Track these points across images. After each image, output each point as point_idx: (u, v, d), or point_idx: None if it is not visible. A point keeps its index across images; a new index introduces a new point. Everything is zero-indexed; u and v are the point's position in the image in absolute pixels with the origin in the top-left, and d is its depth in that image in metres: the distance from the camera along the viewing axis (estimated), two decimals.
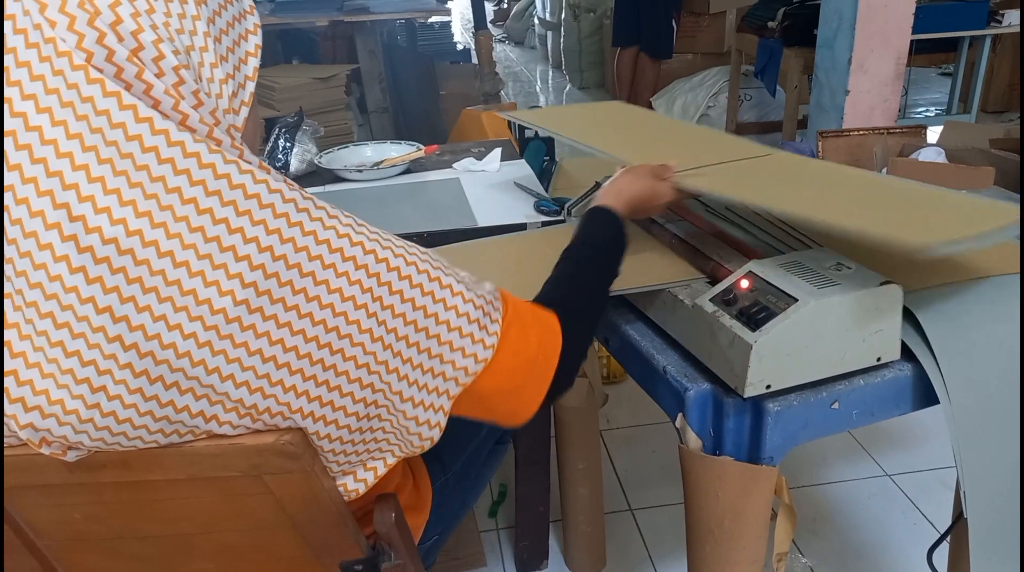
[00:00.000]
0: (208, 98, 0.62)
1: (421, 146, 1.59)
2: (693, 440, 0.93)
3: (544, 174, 2.63)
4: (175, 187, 0.59)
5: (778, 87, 3.82)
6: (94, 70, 0.57)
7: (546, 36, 7.20)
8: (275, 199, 0.62)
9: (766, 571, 0.99)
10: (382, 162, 1.55)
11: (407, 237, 1.18)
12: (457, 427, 1.05)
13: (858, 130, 2.82)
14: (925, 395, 0.92)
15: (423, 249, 0.73)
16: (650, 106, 4.62)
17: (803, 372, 0.87)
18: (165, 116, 0.58)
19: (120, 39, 0.57)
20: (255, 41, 0.71)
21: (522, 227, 1.28)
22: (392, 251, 0.68)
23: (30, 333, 0.60)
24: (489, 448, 1.29)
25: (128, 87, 0.57)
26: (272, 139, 1.59)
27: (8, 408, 0.62)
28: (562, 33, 6.28)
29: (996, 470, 0.88)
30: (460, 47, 4.99)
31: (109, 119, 0.57)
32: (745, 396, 0.86)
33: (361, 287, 0.65)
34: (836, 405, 0.89)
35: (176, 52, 0.60)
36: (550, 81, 6.81)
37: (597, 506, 1.58)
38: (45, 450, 0.64)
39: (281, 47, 3.35)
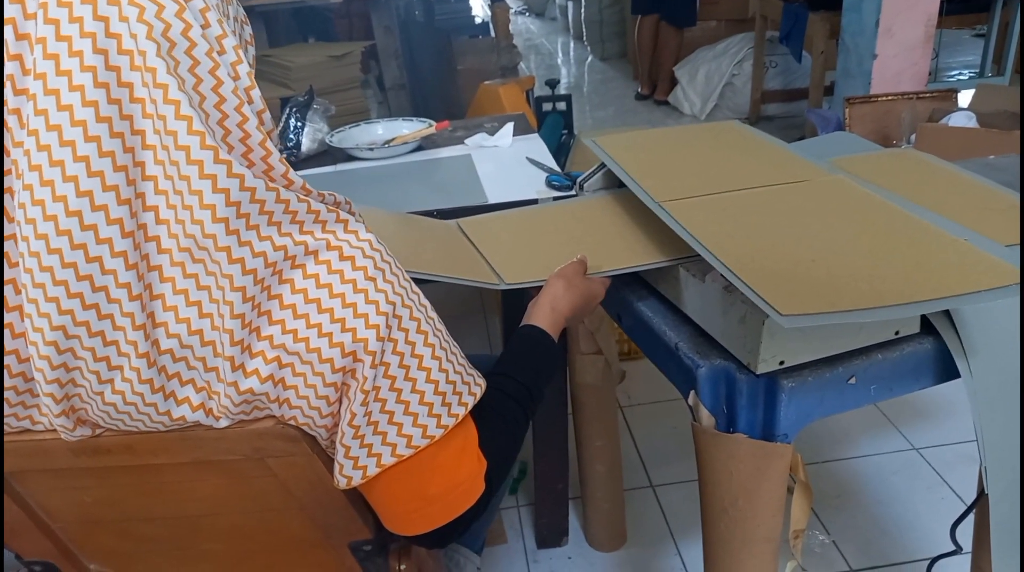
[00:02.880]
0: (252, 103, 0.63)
1: (432, 123, 1.57)
2: (706, 417, 0.92)
3: (562, 148, 2.61)
4: (210, 174, 0.58)
5: (804, 53, 3.72)
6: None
7: (567, 7, 7.09)
8: (299, 207, 0.62)
9: (783, 548, 0.98)
10: (393, 140, 1.53)
11: (418, 214, 1.18)
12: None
13: (886, 95, 2.75)
14: (946, 369, 0.89)
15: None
16: (672, 76, 4.54)
17: (818, 348, 0.85)
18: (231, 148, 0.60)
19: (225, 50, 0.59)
20: (253, 52, 0.71)
21: (533, 202, 1.26)
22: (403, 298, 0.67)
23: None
24: None
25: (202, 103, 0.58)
26: (283, 119, 1.58)
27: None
28: (583, 3, 6.18)
29: (1018, 445, 0.85)
30: (479, 20, 4.93)
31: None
32: (758, 372, 0.84)
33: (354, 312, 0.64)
34: (853, 380, 0.87)
35: (238, 47, 0.61)
36: (571, 53, 6.72)
37: (616, 483, 1.57)
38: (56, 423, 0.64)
39: (296, 25, 3.34)
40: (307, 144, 1.55)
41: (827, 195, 1.00)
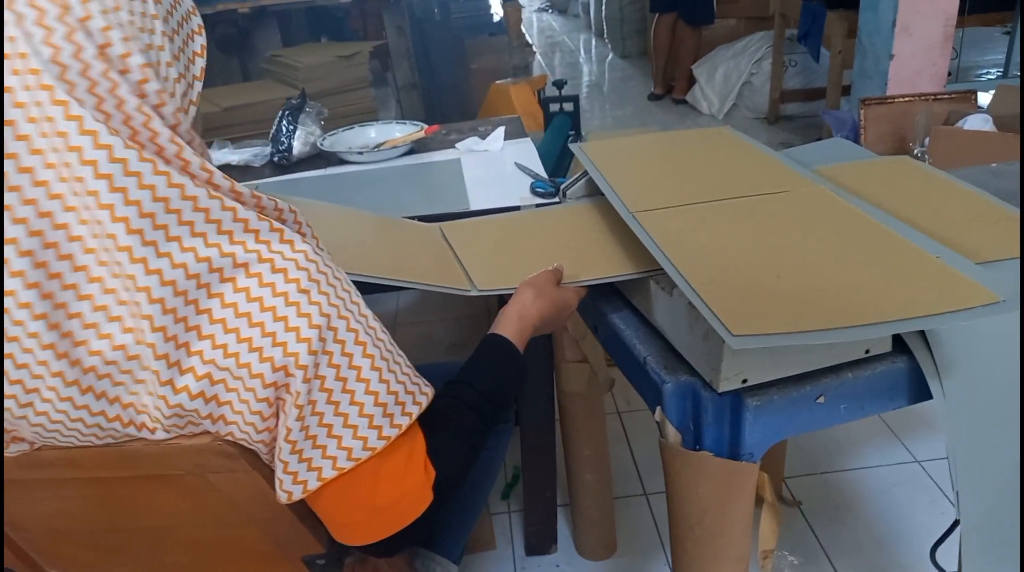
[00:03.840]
0: (172, 98, 0.63)
1: (423, 126, 1.56)
2: (672, 434, 0.90)
3: (568, 150, 2.58)
4: (121, 187, 0.58)
5: (824, 51, 3.66)
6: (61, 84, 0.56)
7: (589, 4, 7.05)
8: (223, 216, 0.62)
9: (753, 568, 0.96)
10: (383, 144, 1.53)
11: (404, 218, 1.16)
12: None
13: (902, 96, 2.69)
14: (921, 389, 0.86)
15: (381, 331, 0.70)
16: (691, 75, 4.49)
17: (783, 366, 0.82)
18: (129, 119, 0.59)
19: (89, 35, 0.58)
20: (200, 41, 0.70)
21: (516, 209, 1.24)
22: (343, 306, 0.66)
23: None
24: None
25: (94, 85, 0.58)
26: (276, 122, 1.58)
27: None
28: (604, 1, 6.13)
29: (992, 470, 0.82)
30: (496, 18, 4.92)
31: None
32: (720, 391, 0.82)
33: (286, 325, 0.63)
34: (822, 399, 0.85)
35: (141, 50, 0.60)
36: (592, 50, 6.68)
37: (605, 492, 1.56)
38: None
39: (309, 25, 3.35)
40: (298, 147, 1.55)
41: (806, 207, 0.98)
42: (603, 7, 6.20)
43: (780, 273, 0.82)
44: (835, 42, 3.31)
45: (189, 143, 0.64)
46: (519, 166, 1.40)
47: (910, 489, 1.71)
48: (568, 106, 2.71)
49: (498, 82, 3.15)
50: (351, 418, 0.66)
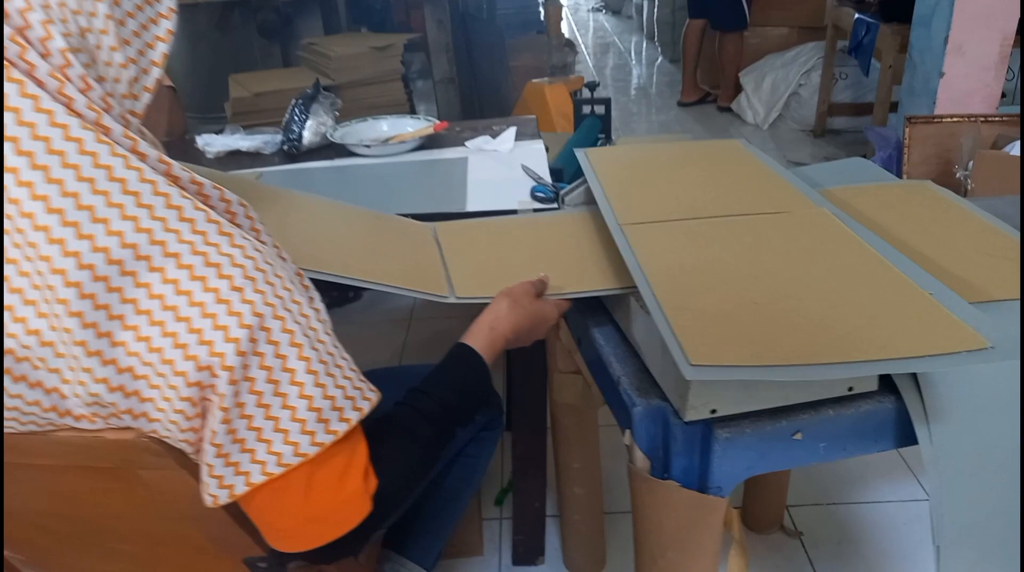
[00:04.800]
0: (102, 83, 0.61)
1: (433, 122, 1.54)
2: (640, 460, 0.86)
3: None
4: (43, 165, 0.56)
5: (875, 66, 3.53)
6: None
7: (642, 6, 6.95)
8: (155, 201, 0.59)
9: None
10: (391, 139, 1.51)
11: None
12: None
13: (950, 116, 2.57)
14: (909, 432, 0.80)
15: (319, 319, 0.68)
16: (737, 83, 4.39)
17: (757, 398, 0.78)
18: (53, 99, 0.57)
19: (7, 17, 0.56)
20: (167, 26, 0.68)
21: (513, 213, 1.21)
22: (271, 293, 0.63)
23: None
24: (471, 435, 1.24)
25: (11, 66, 0.56)
26: (289, 110, 1.57)
27: None
28: (656, 3, 6.04)
29: (977, 528, 0.76)
30: (541, 16, 4.88)
31: None
32: (686, 420, 0.78)
33: (217, 296, 0.61)
34: (799, 436, 0.80)
35: (67, 34, 0.59)
36: (643, 53, 6.59)
37: (595, 506, 1.51)
38: None
39: (350, 14, 3.35)
40: (308, 137, 1.54)
41: (803, 230, 0.92)
42: (655, 10, 6.11)
43: (760, 300, 0.77)
44: (886, 56, 3.19)
45: (139, 132, 0.63)
46: (525, 169, 1.37)
47: (920, 529, 1.62)
48: (600, 109, 2.67)
49: (534, 81, 3.12)
50: (282, 422, 0.64)
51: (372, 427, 0.73)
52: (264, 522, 0.69)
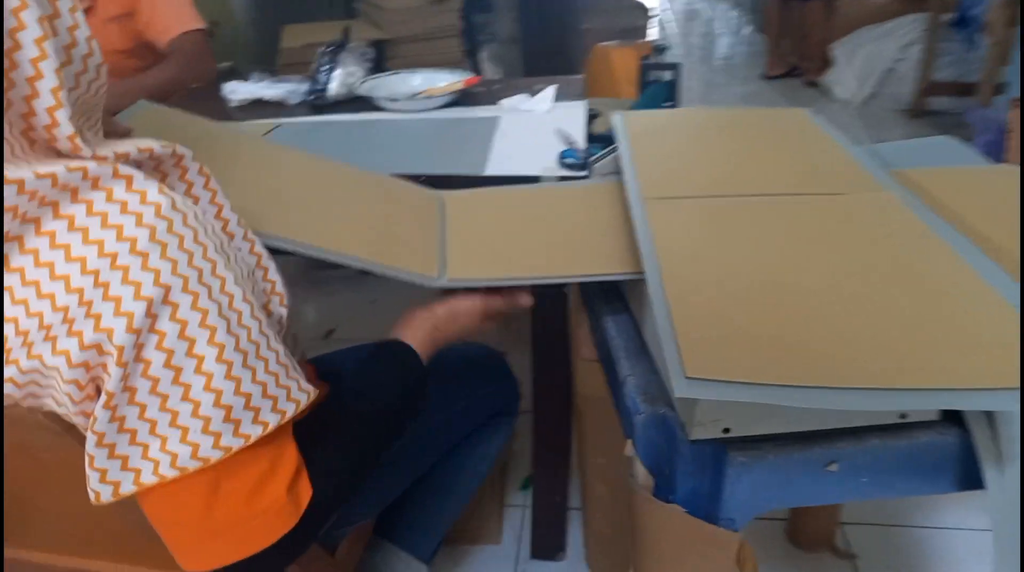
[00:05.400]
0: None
1: (465, 76, 1.41)
2: (643, 476, 0.73)
3: None
4: None
5: (984, 42, 3.20)
6: None
7: None
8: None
9: None
10: (420, 94, 1.39)
11: (403, 178, 1.03)
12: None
13: None
14: (976, 473, 0.65)
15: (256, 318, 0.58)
16: (824, 55, 4.08)
17: (781, 419, 0.63)
18: None
19: None
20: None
21: (535, 180, 1.08)
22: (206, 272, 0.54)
23: None
24: (479, 422, 1.14)
25: None
26: (316, 59, 1.47)
27: None
28: None
29: None
30: None
31: None
32: (691, 438, 0.64)
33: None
34: (834, 467, 0.65)
35: None
36: (731, 21, 6.26)
37: (621, 506, 1.39)
38: None
39: None
40: (335, 89, 1.43)
41: (859, 216, 0.77)
42: None
43: (790, 299, 0.63)
44: (995, 31, 2.88)
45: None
46: (560, 132, 1.23)
47: (984, 565, 1.44)
48: (668, 75, 2.47)
49: (601, 44, 2.94)
50: (181, 417, 0.54)
51: (308, 428, 0.63)
52: (159, 529, 0.60)
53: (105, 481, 0.54)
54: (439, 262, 0.82)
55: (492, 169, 1.10)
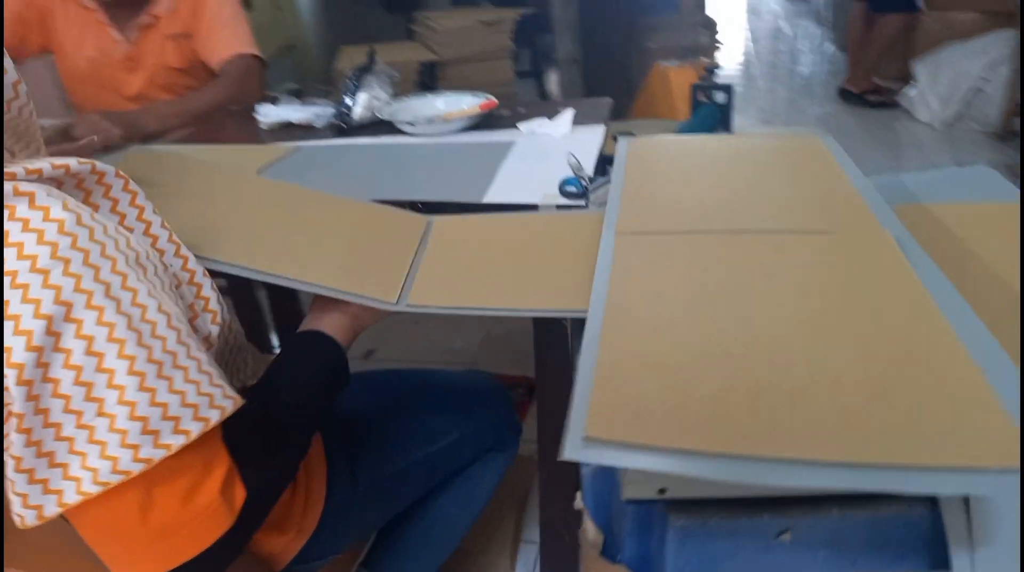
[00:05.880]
0: None
1: (484, 99, 1.39)
2: (592, 532, 0.68)
3: None
4: None
5: None
6: None
7: None
8: None
9: None
10: (439, 117, 1.38)
11: (403, 203, 1.02)
12: (389, 426, 0.90)
13: None
14: (945, 553, 0.58)
15: (175, 326, 0.58)
16: (906, 75, 3.88)
17: (724, 482, 0.58)
18: None
19: None
20: None
21: (534, 208, 1.05)
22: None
23: None
24: (470, 456, 1.11)
25: None
26: (344, 83, 1.48)
27: None
28: None
29: None
30: None
31: None
32: (623, 497, 0.60)
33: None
34: (786, 537, 0.59)
35: None
36: (812, 40, 6.05)
37: None
38: None
39: None
40: (359, 112, 1.44)
41: (844, 258, 0.70)
42: None
43: (739, 349, 0.58)
44: None
45: None
46: (571, 157, 1.20)
47: None
48: (721, 96, 2.39)
49: (661, 63, 2.89)
50: (98, 432, 0.54)
51: (237, 426, 0.64)
52: (95, 545, 0.60)
53: (28, 506, 0.55)
54: (402, 288, 0.81)
55: (492, 196, 1.07)
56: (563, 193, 1.07)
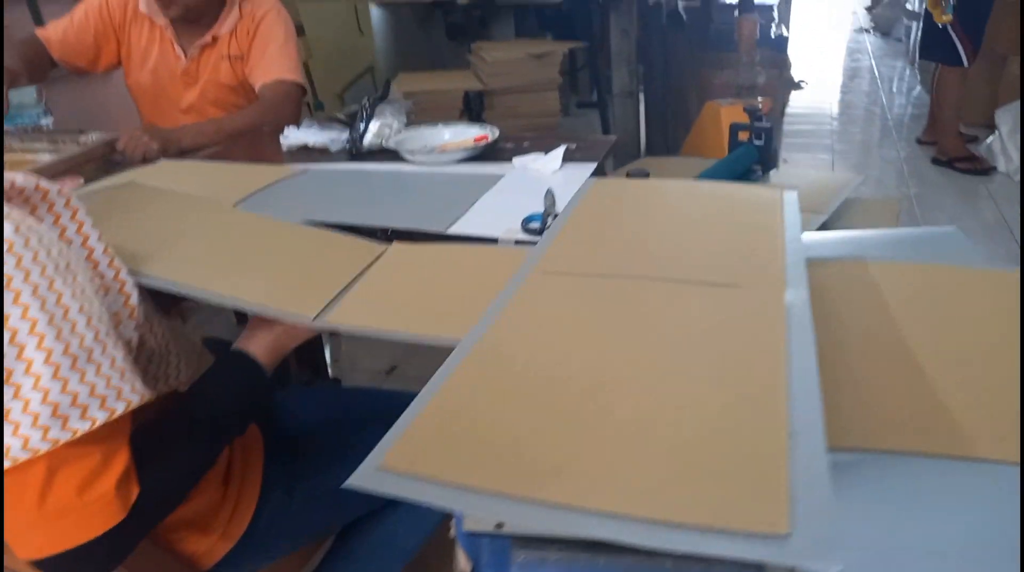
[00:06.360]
0: None
1: (488, 133, 1.44)
2: (463, 561, 0.70)
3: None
4: None
5: None
6: None
7: (910, 27, 6.18)
8: None
9: None
10: (436, 148, 1.43)
11: (371, 229, 1.08)
12: (334, 441, 0.95)
13: None
14: None
15: (94, 315, 0.65)
16: (958, 130, 3.69)
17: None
18: None
19: None
20: None
21: (494, 241, 1.08)
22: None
23: None
24: None
25: None
26: (359, 109, 1.55)
27: None
28: (920, 23, 5.33)
29: None
30: (776, 34, 4.50)
31: None
32: (463, 529, 0.62)
33: None
34: None
35: None
36: (896, 80, 5.86)
37: None
38: None
39: (538, 21, 3.33)
40: (370, 139, 1.51)
41: (729, 313, 0.70)
42: (918, 30, 5.39)
43: (571, 393, 0.59)
44: None
45: None
46: (550, 193, 1.22)
47: None
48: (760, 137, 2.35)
49: (713, 101, 2.87)
50: (13, 413, 0.61)
51: (147, 432, 0.70)
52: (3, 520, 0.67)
53: None
54: (327, 306, 0.84)
55: (458, 228, 1.11)
56: (525, 229, 1.10)
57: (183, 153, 1.65)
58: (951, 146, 3.74)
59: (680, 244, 0.86)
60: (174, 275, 0.81)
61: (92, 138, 1.63)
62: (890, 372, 0.69)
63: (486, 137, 1.45)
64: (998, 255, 2.84)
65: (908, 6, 6.28)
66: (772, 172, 2.45)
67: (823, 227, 1.67)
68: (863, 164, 4.00)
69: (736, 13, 2.96)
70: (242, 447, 0.93)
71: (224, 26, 1.83)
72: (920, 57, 3.69)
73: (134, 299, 0.75)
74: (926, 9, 3.53)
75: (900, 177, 3.73)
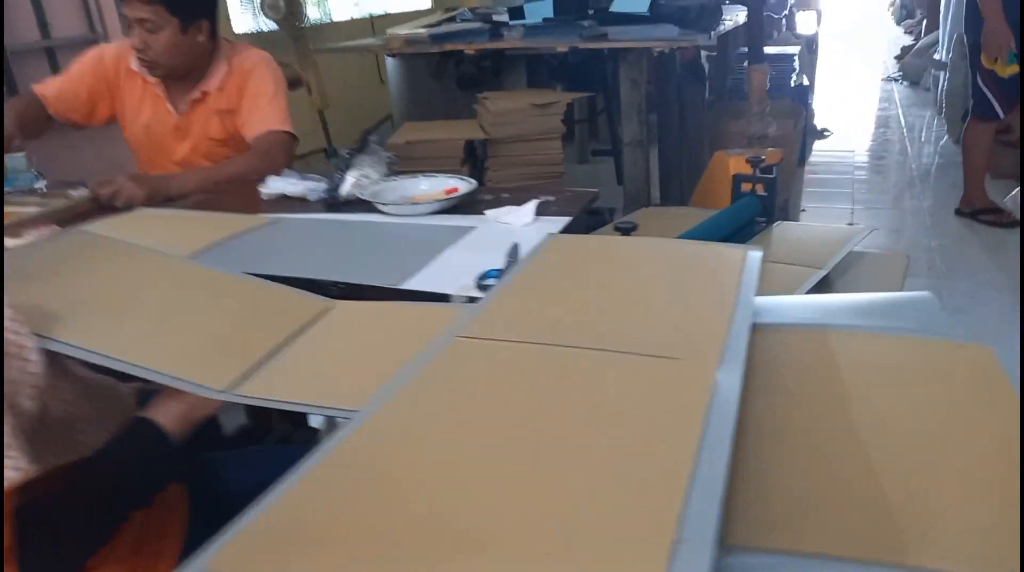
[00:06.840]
0: None
1: (465, 186, 1.40)
2: None
3: (747, 236, 2.18)
4: None
5: None
6: None
7: (939, 77, 6.10)
8: None
9: None
10: (404, 200, 1.40)
11: (322, 283, 1.04)
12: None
13: None
14: None
15: None
16: (981, 187, 3.56)
17: None
18: None
19: None
20: None
21: (446, 298, 1.04)
22: None
23: None
24: None
25: None
26: (337, 161, 1.54)
27: None
28: (947, 73, 5.25)
29: None
30: (795, 82, 4.45)
31: None
32: None
33: None
34: None
35: None
36: (924, 131, 5.76)
37: None
38: None
39: (548, 71, 3.32)
40: (346, 189, 1.48)
41: (658, 385, 0.64)
42: (946, 80, 5.31)
43: (444, 477, 0.54)
44: None
45: None
46: (514, 248, 1.18)
47: None
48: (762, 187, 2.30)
49: (722, 151, 2.82)
50: None
51: (36, 506, 0.67)
52: None
53: None
54: (243, 374, 0.80)
55: (412, 283, 1.07)
56: (479, 285, 1.05)
57: (168, 201, 1.64)
58: (976, 198, 3.62)
59: (623, 309, 0.81)
60: (81, 339, 0.77)
61: (82, 192, 1.64)
62: (831, 461, 0.62)
63: (456, 189, 1.41)
64: (1015, 313, 2.71)
65: (936, 56, 6.21)
66: (784, 222, 2.39)
67: (822, 282, 1.59)
68: (885, 214, 3.90)
69: (746, 63, 2.93)
70: (159, 516, 0.88)
71: (213, 81, 1.84)
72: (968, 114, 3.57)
73: (34, 366, 0.71)
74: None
75: (923, 228, 3.62)
